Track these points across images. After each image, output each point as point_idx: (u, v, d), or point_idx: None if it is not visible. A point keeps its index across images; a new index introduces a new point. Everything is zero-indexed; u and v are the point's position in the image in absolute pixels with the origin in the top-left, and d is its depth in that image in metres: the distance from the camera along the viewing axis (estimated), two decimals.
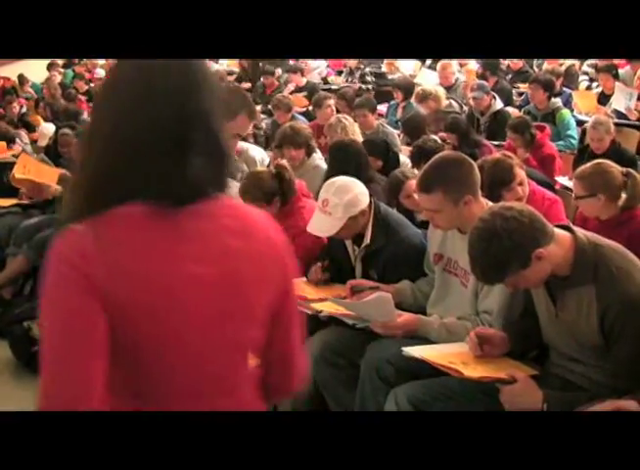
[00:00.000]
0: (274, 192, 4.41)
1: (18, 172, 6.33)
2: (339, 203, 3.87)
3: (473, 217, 3.09)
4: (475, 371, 2.97)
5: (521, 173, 4.67)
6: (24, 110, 11.41)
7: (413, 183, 4.77)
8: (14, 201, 6.93)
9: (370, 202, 3.99)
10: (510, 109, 8.84)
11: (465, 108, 9.00)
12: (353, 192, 3.93)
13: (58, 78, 13.59)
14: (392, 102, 9.67)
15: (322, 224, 3.93)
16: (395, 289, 3.81)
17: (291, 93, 10.48)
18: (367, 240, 3.96)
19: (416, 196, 4.71)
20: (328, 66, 12.93)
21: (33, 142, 9.54)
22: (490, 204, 3.39)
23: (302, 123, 6.77)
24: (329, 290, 4.06)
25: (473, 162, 3.57)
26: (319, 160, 6.20)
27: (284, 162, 4.79)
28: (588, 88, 9.40)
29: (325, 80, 12.33)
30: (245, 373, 1.78)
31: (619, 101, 8.22)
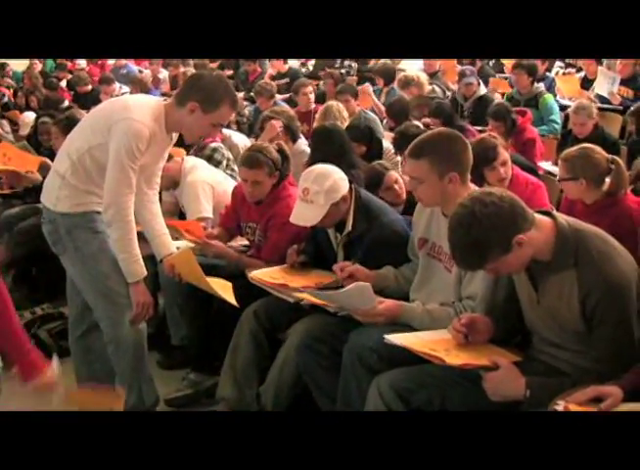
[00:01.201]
0: (277, 165, 4.44)
1: None
2: (319, 190, 3.86)
3: (457, 199, 3.08)
4: (457, 358, 2.96)
5: (504, 154, 4.72)
6: (6, 99, 11.31)
7: (393, 175, 4.78)
8: None
9: (350, 188, 3.98)
10: (494, 94, 8.83)
11: (448, 93, 8.99)
12: (333, 178, 3.91)
13: (39, 67, 13.50)
14: (375, 87, 9.64)
15: (305, 213, 3.92)
16: (378, 274, 3.80)
17: (272, 79, 10.46)
18: (349, 227, 3.95)
19: (396, 186, 4.73)
20: None
21: (14, 131, 9.49)
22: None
23: (286, 106, 6.75)
24: (311, 276, 4.05)
25: (468, 143, 3.55)
26: (304, 146, 6.19)
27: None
28: (564, 74, 9.40)
29: (304, 65, 12.28)
30: None
31: (602, 86, 8.24)
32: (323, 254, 4.17)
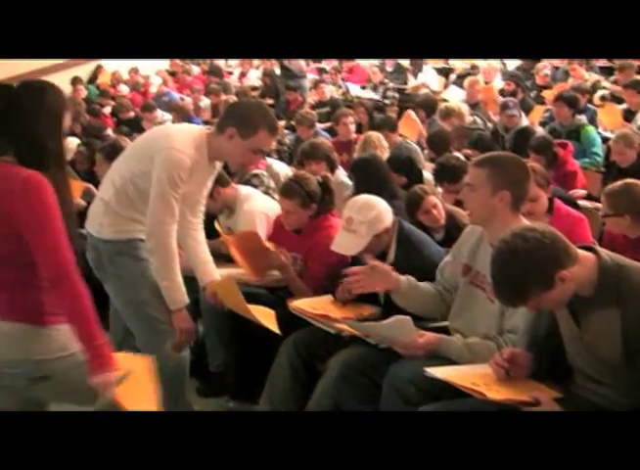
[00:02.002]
0: (314, 196, 4.47)
1: None
2: (363, 220, 3.88)
3: (503, 228, 3.08)
4: (498, 393, 2.94)
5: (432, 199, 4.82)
6: None
7: (432, 199, 4.77)
8: None
9: (393, 219, 3.98)
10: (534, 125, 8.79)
11: (489, 125, 8.97)
12: (377, 209, 3.94)
13: (83, 93, 13.68)
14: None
15: (346, 242, 3.94)
16: (413, 287, 3.77)
17: (312, 108, 10.50)
18: (391, 258, 3.95)
19: (434, 211, 4.72)
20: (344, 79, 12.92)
21: None
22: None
23: (322, 138, 6.76)
24: (351, 308, 4.04)
25: (531, 174, 3.57)
26: (343, 176, 6.20)
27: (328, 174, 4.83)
28: (602, 100, 9.32)
29: (345, 96, 12.33)
30: None
31: None
32: None
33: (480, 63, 12.25)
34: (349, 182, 6.16)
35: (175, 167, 3.60)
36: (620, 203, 4.27)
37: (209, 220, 4.52)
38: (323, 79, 12.06)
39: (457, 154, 6.74)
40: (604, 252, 2.89)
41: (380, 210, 3.95)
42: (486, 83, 10.62)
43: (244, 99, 5.16)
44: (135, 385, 2.88)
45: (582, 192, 6.59)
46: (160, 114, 10.89)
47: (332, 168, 6.10)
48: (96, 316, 2.73)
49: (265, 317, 3.89)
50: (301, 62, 12.30)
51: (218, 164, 3.95)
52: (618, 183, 4.41)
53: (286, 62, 12.10)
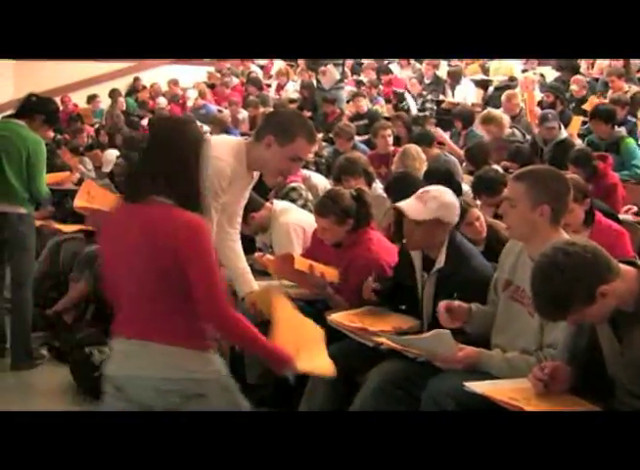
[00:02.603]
0: (350, 212, 4.47)
1: (81, 199, 6.42)
2: (437, 197, 3.93)
3: (543, 242, 3.07)
4: (537, 408, 2.92)
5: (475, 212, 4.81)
6: (90, 142, 11.60)
7: (475, 211, 4.75)
8: (78, 227, 7.04)
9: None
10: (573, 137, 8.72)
11: (528, 137, 8.92)
12: (453, 201, 4.00)
13: (122, 106, 13.80)
14: (454, 129, 9.65)
15: (412, 207, 3.94)
16: (470, 313, 3.75)
17: (350, 120, 10.50)
18: (441, 263, 3.95)
19: (477, 223, 4.70)
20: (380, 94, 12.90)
21: (97, 169, 9.69)
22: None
23: (358, 152, 6.76)
24: (390, 320, 4.04)
25: (571, 189, 3.55)
26: (380, 190, 6.20)
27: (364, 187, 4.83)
28: None
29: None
30: None
31: None
32: (402, 296, 4.18)
33: (518, 75, 12.20)
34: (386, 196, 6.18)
35: (216, 176, 3.59)
36: None
37: (244, 235, 4.53)
38: (361, 92, 12.05)
39: (496, 166, 6.71)
40: None
41: (455, 203, 4.00)
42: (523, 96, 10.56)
43: (281, 109, 5.19)
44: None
45: (634, 208, 6.53)
46: (198, 125, 10.95)
47: (369, 183, 6.10)
48: (253, 330, 2.91)
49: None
50: (335, 74, 12.28)
51: (256, 175, 3.95)
52: None
53: (320, 76, 12.09)
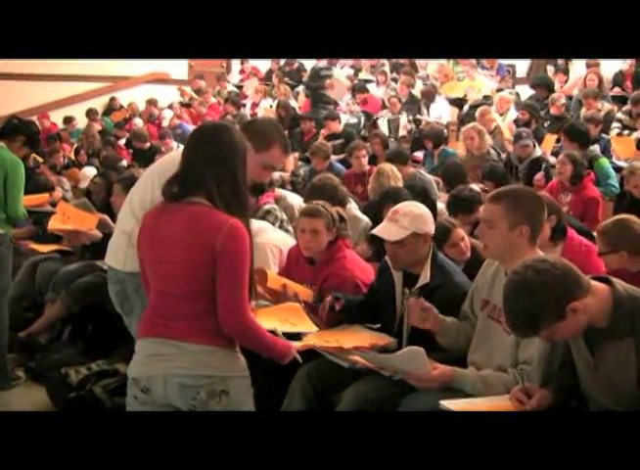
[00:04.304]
0: (335, 221, 4.51)
1: (56, 221, 6.43)
2: (407, 213, 3.97)
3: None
4: None
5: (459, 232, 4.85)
6: (66, 161, 11.59)
7: (460, 232, 4.77)
8: (53, 247, 7.02)
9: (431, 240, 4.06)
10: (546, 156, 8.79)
11: (503, 155, 8.99)
12: (423, 211, 4.04)
13: (97, 127, 13.79)
14: (425, 151, 9.82)
15: (388, 229, 3.98)
16: (444, 323, 3.79)
17: (327, 139, 10.54)
18: (426, 278, 3.97)
19: (462, 244, 4.72)
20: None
21: (74, 188, 9.69)
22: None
23: (330, 175, 6.75)
24: (365, 338, 4.04)
25: (545, 207, 3.58)
26: (355, 210, 6.21)
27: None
28: (619, 135, 9.32)
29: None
30: None
31: None
32: (379, 314, 4.20)
33: (492, 93, 12.30)
34: (362, 216, 6.20)
35: None
36: (615, 239, 4.27)
37: None
38: (335, 113, 12.09)
39: (474, 185, 6.77)
40: (619, 283, 2.91)
41: (426, 212, 4.04)
42: (501, 115, 10.65)
43: (258, 117, 5.22)
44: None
45: None
46: (175, 145, 10.97)
47: (342, 204, 6.08)
48: (267, 337, 3.08)
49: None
50: (345, 84, 12.18)
51: None
52: (611, 220, 4.43)
53: (329, 91, 11.92)
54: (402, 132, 11.39)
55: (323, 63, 12.88)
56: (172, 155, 4.23)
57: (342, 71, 15.14)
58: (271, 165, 3.82)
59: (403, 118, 11.56)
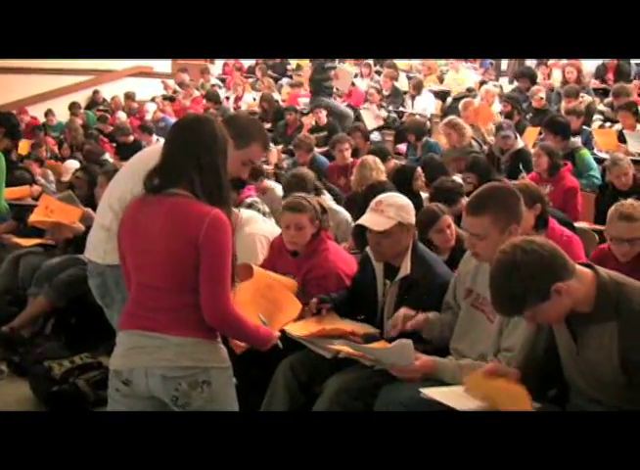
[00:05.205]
0: (318, 214, 4.51)
1: (39, 214, 6.40)
2: (392, 203, 3.99)
3: None
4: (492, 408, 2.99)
5: (447, 219, 4.86)
6: (48, 155, 11.56)
7: (448, 219, 4.79)
8: (36, 241, 6.99)
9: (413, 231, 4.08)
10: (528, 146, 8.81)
11: (485, 147, 9.01)
12: (407, 202, 4.06)
13: (79, 120, 13.75)
14: (409, 144, 9.84)
15: (373, 219, 4.00)
16: (428, 320, 3.82)
17: (310, 132, 10.54)
18: (407, 270, 3.99)
19: (448, 231, 4.74)
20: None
21: (57, 181, 9.67)
22: None
23: (301, 169, 6.75)
24: (346, 326, 4.05)
25: (519, 194, 3.59)
26: (330, 201, 6.23)
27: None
28: (601, 127, 9.37)
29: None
30: None
31: (635, 145, 8.20)
32: (361, 305, 4.22)
33: (475, 85, 12.33)
34: (338, 208, 6.22)
35: None
36: None
37: None
38: (320, 104, 12.10)
39: (455, 177, 6.80)
40: (603, 269, 2.95)
41: (409, 203, 4.06)
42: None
43: (241, 113, 5.20)
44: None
45: None
46: (155, 139, 10.96)
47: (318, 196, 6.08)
48: (249, 326, 3.07)
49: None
50: (350, 74, 12.07)
51: None
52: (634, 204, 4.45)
53: (334, 81, 11.86)
54: (376, 123, 11.36)
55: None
56: (152, 149, 4.23)
57: (326, 64, 15.16)
58: (250, 161, 3.83)
59: (373, 110, 11.54)
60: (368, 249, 4.18)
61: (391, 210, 3.95)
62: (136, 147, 10.46)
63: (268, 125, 12.03)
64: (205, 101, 13.93)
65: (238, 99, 14.22)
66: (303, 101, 12.92)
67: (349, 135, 9.21)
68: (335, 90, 11.89)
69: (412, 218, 4.03)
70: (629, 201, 4.50)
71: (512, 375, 3.15)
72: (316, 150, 9.27)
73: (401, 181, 6.17)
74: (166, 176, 2.94)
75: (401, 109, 11.96)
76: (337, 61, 12.64)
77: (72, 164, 9.61)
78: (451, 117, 9.15)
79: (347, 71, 11.88)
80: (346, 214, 6.26)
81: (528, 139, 8.96)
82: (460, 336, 3.72)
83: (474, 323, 3.66)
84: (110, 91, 16.20)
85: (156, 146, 4.42)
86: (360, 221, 4.07)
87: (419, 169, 6.53)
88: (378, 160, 7.10)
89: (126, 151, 10.55)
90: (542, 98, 10.21)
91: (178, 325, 2.89)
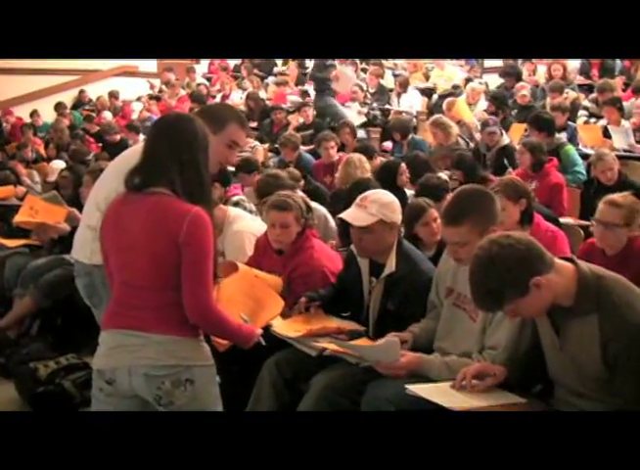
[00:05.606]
0: (304, 212, 4.52)
1: (23, 215, 6.39)
2: (376, 200, 3.98)
3: None
4: (479, 408, 3.00)
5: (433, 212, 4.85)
6: (34, 156, 11.53)
7: (434, 212, 4.79)
8: (22, 241, 6.97)
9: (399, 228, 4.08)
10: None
11: (471, 145, 9.03)
12: (393, 200, 4.04)
13: (65, 121, 13.71)
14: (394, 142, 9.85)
15: (355, 214, 3.99)
16: (416, 335, 3.82)
17: (297, 130, 10.54)
18: (392, 267, 3.99)
19: (434, 225, 4.74)
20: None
21: (44, 182, 9.65)
22: None
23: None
24: (332, 324, 4.06)
25: (493, 193, 3.61)
26: (306, 199, 6.22)
27: None
28: (586, 123, 9.40)
29: None
30: None
31: (620, 141, 8.23)
32: (347, 302, 4.23)
33: (461, 83, 12.35)
34: (314, 204, 6.22)
35: None
36: (632, 214, 4.34)
37: None
38: (306, 102, 12.09)
39: (441, 173, 6.81)
40: (583, 263, 2.96)
41: (395, 201, 4.04)
42: (470, 105, 10.71)
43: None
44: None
45: None
46: (142, 138, 10.94)
47: None
48: (231, 324, 3.04)
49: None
50: (351, 77, 11.98)
51: None
52: (624, 194, 4.49)
53: (333, 83, 11.71)
54: (359, 120, 11.35)
55: None
56: (136, 148, 4.19)
57: (312, 63, 15.16)
58: (234, 142, 3.76)
59: (355, 107, 11.54)
60: (353, 246, 4.18)
61: (374, 206, 3.95)
62: (123, 146, 10.45)
63: (254, 124, 12.03)
64: (190, 101, 13.93)
65: (225, 98, 14.21)
66: (292, 99, 12.92)
67: (338, 131, 9.22)
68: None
69: (396, 216, 4.02)
70: (624, 193, 4.51)
71: (498, 372, 3.17)
72: (302, 148, 9.27)
73: (386, 177, 6.23)
74: (147, 174, 2.93)
75: (387, 106, 11.96)
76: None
77: (58, 165, 9.60)
78: (437, 115, 9.19)
79: (348, 76, 11.78)
80: (324, 211, 6.25)
81: (514, 135, 8.99)
82: (443, 335, 3.73)
83: (456, 322, 3.67)
84: (95, 91, 16.16)
85: (140, 145, 4.39)
86: (342, 215, 4.07)
87: (403, 165, 6.60)
88: (363, 158, 7.12)
89: (114, 150, 10.53)
90: (525, 95, 10.24)
91: (160, 323, 2.88)
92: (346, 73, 11.61)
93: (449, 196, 4.98)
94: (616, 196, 4.44)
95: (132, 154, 3.82)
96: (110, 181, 3.68)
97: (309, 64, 15.25)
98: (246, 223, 5.19)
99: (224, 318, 2.99)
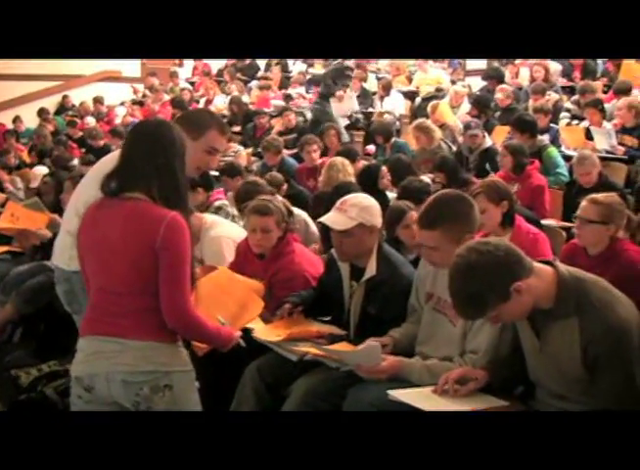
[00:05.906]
0: (284, 216, 4.52)
1: (5, 221, 6.37)
2: (355, 204, 3.96)
3: None
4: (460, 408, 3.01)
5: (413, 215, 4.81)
6: (18, 162, 11.49)
7: (414, 214, 4.79)
8: (3, 248, 6.93)
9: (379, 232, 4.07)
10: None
11: (454, 148, 9.04)
12: (372, 204, 4.03)
13: (49, 126, 13.67)
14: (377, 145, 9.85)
15: (335, 218, 3.98)
16: (397, 341, 3.81)
17: (280, 134, 10.53)
18: (372, 271, 3.98)
19: (415, 227, 4.73)
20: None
21: (26, 188, 9.61)
22: None
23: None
24: (313, 328, 4.06)
25: (472, 200, 3.60)
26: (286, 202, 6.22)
27: None
28: (568, 125, 9.42)
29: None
30: None
31: (602, 142, 8.25)
32: (328, 306, 4.22)
33: (446, 85, 12.38)
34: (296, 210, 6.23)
35: None
36: (612, 212, 4.33)
37: None
38: (289, 106, 12.10)
39: (424, 176, 6.83)
40: (562, 265, 2.97)
41: (375, 205, 4.03)
42: (453, 108, 10.73)
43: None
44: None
45: None
46: None
47: None
48: (209, 329, 3.03)
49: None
50: (354, 102, 11.95)
51: None
52: (605, 194, 4.48)
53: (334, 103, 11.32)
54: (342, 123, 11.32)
55: (350, 61, 12.02)
56: (114, 153, 4.17)
57: (295, 66, 15.17)
58: (213, 148, 3.75)
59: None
60: (334, 250, 4.17)
61: (354, 210, 3.93)
62: (106, 151, 10.40)
63: (238, 128, 12.01)
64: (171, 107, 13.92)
65: (208, 102, 14.20)
66: (275, 103, 12.92)
67: (323, 133, 9.22)
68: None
69: (376, 220, 4.01)
70: (609, 193, 4.53)
71: (480, 376, 3.17)
72: (285, 152, 9.27)
73: (366, 180, 6.27)
74: (124, 179, 2.93)
75: (370, 109, 11.97)
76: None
77: (41, 171, 9.57)
78: (420, 120, 9.19)
79: (352, 101, 11.65)
80: (305, 215, 6.24)
81: (498, 138, 9.01)
82: (424, 339, 3.72)
83: (437, 327, 3.67)
84: (78, 96, 16.12)
85: (119, 150, 4.37)
86: (322, 219, 4.06)
87: (384, 168, 6.64)
88: (346, 161, 7.12)
89: (98, 155, 10.49)
90: (508, 96, 10.27)
91: (138, 329, 2.87)
92: (351, 98, 11.59)
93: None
94: (599, 195, 4.45)
95: (111, 159, 3.79)
96: (90, 187, 3.64)
97: (292, 68, 15.30)
98: (223, 229, 5.18)
99: (202, 322, 2.97)
